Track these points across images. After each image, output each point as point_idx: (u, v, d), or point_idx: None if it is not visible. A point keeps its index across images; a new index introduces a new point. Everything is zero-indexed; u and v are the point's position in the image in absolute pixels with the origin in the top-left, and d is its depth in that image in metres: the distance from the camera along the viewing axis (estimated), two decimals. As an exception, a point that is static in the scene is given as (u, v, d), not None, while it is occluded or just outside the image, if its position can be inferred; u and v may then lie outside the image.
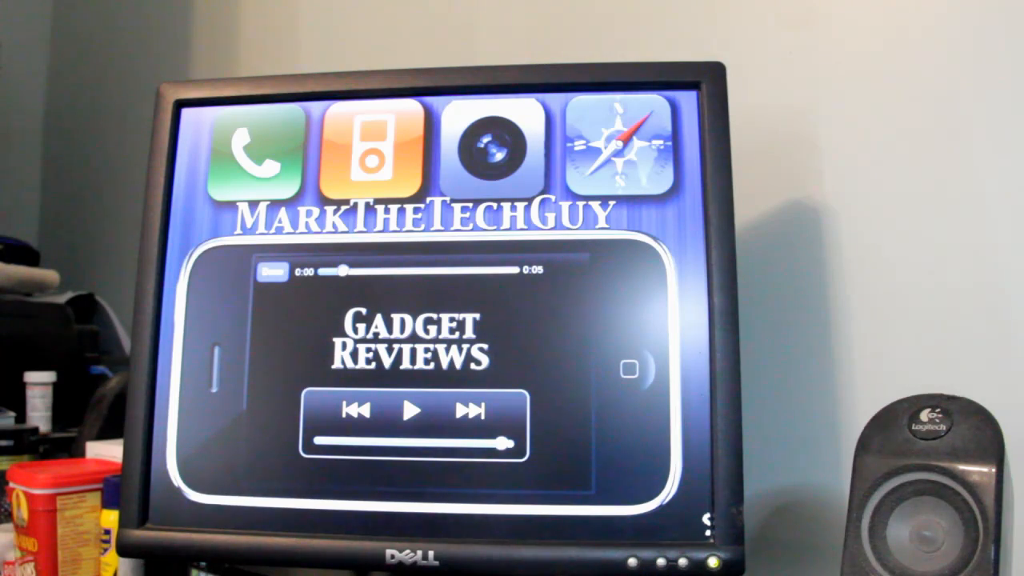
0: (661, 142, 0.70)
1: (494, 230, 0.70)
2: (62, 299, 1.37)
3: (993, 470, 0.54)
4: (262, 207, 0.74)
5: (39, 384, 1.15)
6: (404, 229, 0.72)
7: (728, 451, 0.65)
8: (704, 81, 0.70)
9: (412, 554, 0.66)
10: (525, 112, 0.72)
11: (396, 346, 0.70)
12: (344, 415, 0.69)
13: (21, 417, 1.13)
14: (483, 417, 0.68)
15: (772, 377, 0.84)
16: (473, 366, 0.69)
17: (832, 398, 0.81)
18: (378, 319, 0.70)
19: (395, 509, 0.67)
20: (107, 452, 0.89)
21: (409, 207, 0.72)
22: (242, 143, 0.75)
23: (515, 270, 0.70)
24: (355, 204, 0.73)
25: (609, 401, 0.67)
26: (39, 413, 1.14)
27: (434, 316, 0.70)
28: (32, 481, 0.80)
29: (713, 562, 0.63)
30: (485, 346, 0.69)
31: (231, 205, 0.74)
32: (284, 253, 0.72)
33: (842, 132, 0.83)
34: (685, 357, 0.67)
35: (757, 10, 0.88)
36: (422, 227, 0.71)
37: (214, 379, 0.71)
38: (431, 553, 0.66)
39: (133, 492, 0.70)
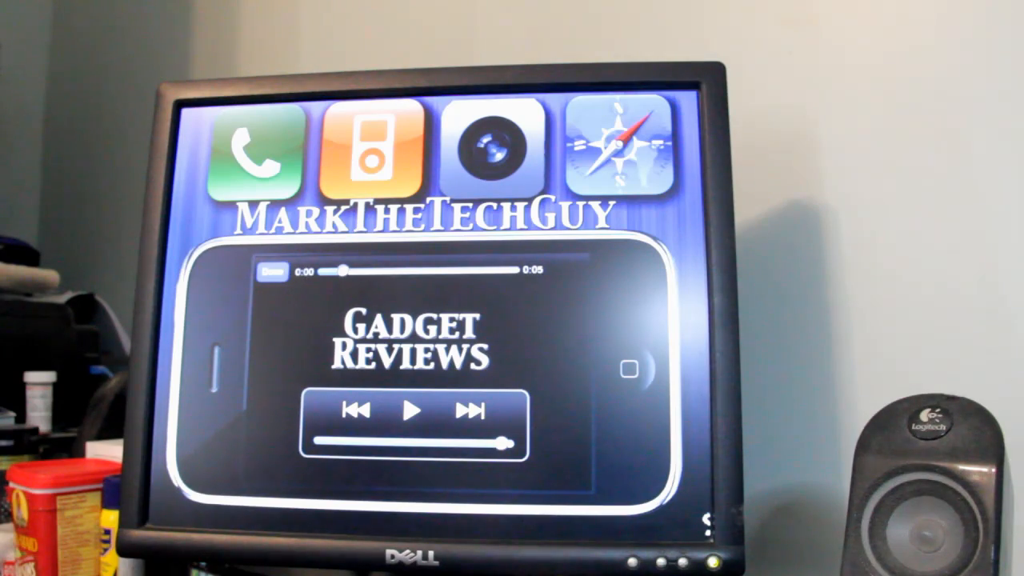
0: (661, 142, 0.70)
1: (494, 230, 0.70)
2: (62, 299, 1.36)
3: (993, 470, 0.54)
4: (262, 207, 0.74)
5: (39, 384, 1.15)
6: (404, 229, 0.72)
7: (728, 451, 0.65)
8: (704, 81, 0.70)
9: (412, 554, 0.66)
10: (525, 112, 0.72)
11: (396, 346, 0.70)
12: (344, 415, 0.69)
13: (21, 417, 1.13)
14: (483, 417, 0.68)
15: (772, 377, 0.84)
16: (473, 366, 0.69)
17: (832, 398, 0.81)
18: (378, 319, 0.70)
19: (395, 509, 0.67)
20: (107, 452, 0.89)
21: (409, 207, 0.72)
22: (242, 143, 0.75)
23: (515, 270, 0.70)
24: (355, 204, 0.73)
25: (609, 401, 0.67)
26: (39, 413, 1.13)
27: (434, 316, 0.70)
28: (32, 481, 0.80)
29: (713, 562, 0.63)
30: (485, 346, 0.69)
31: (231, 205, 0.74)
32: (284, 253, 0.72)
33: (842, 132, 0.83)
34: (685, 357, 0.67)
35: (757, 10, 0.88)
36: (422, 227, 0.71)
37: (214, 379, 0.71)
38: (431, 553, 0.66)
39: (133, 492, 0.70)
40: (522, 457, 0.67)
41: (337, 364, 0.70)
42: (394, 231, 0.72)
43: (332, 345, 0.70)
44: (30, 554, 0.81)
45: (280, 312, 0.72)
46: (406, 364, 0.70)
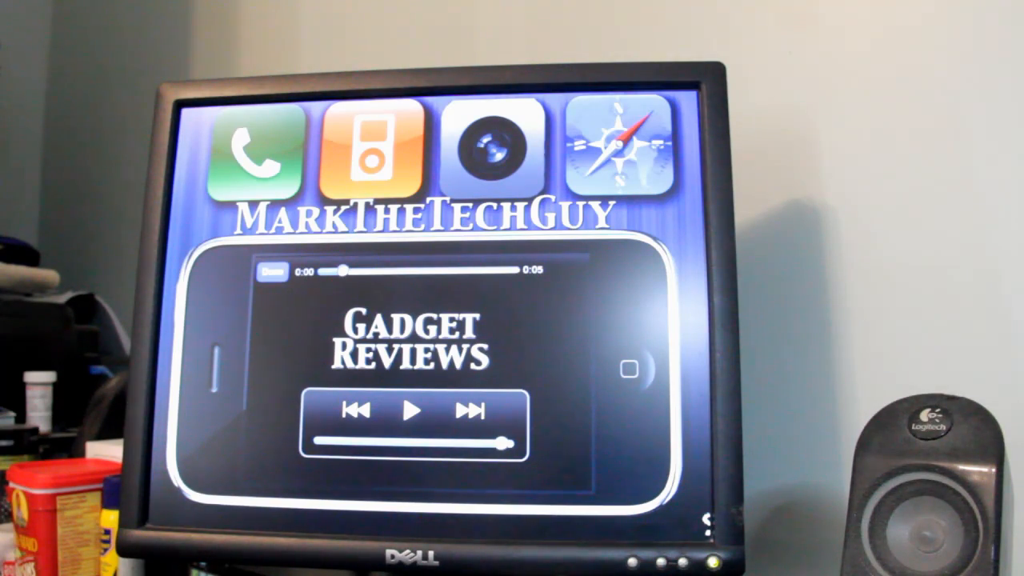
0: (661, 142, 0.70)
1: (494, 230, 0.70)
2: (62, 299, 1.37)
3: (993, 470, 0.54)
4: (262, 207, 0.74)
5: (39, 384, 1.15)
6: (404, 229, 0.72)
7: (728, 451, 0.65)
8: (704, 81, 0.70)
9: (412, 554, 0.66)
10: (525, 112, 0.72)
11: (396, 346, 0.70)
12: (344, 415, 0.69)
13: (21, 417, 1.13)
14: (483, 417, 0.68)
15: (772, 377, 0.84)
16: (473, 366, 0.69)
17: (832, 398, 0.81)
18: (378, 319, 0.70)
19: (395, 509, 0.67)
20: (107, 452, 0.89)
21: (409, 207, 0.72)
22: (242, 143, 0.75)
23: (515, 270, 0.70)
24: (355, 204, 0.73)
25: (609, 401, 0.67)
26: (39, 413, 1.14)
27: (434, 316, 0.70)
28: (32, 481, 0.80)
29: (713, 562, 0.63)
30: (485, 346, 0.69)
31: (231, 205, 0.74)
32: (284, 253, 0.72)
33: (842, 131, 0.83)
34: (685, 357, 0.67)
35: (757, 10, 0.88)
36: (422, 227, 0.71)
37: (214, 379, 0.71)
38: (431, 553, 0.66)
39: (133, 492, 0.70)
40: (522, 457, 0.67)
41: (337, 364, 0.70)
42: (394, 231, 0.72)
43: (332, 345, 0.70)
44: (30, 554, 0.81)
45: (280, 312, 0.72)
46: (406, 364, 0.70)
